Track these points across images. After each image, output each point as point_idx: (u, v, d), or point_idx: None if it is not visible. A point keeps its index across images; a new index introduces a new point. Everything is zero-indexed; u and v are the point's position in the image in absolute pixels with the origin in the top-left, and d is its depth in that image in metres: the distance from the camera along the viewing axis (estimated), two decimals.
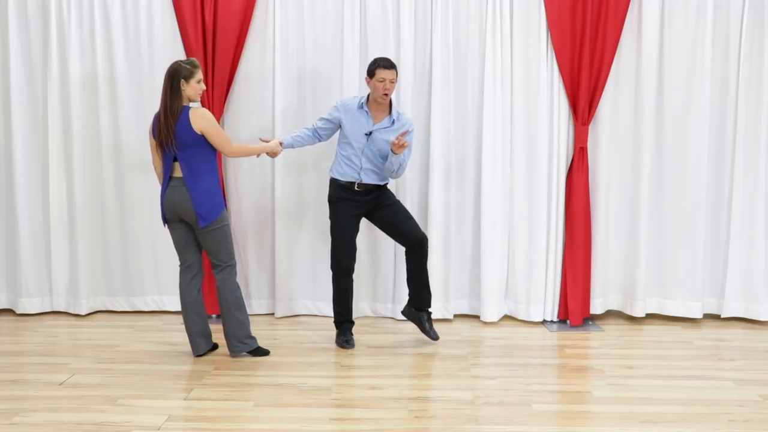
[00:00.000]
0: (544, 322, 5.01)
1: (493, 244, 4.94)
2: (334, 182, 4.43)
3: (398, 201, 4.52)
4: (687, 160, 4.95)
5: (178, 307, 5.12)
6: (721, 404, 3.54)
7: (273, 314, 5.10)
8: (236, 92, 4.96)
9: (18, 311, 5.06)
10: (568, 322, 4.93)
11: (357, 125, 4.32)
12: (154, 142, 4.00)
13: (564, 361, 4.21)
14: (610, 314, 5.21)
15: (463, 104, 4.96)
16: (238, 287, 4.15)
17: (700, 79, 4.87)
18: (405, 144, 4.11)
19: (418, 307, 4.48)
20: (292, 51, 4.92)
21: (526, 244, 5.00)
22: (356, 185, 4.35)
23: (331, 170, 4.47)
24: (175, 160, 3.95)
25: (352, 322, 4.55)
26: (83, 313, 5.04)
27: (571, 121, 4.94)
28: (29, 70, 4.97)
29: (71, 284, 5.06)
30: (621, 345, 4.57)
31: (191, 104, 3.99)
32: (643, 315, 5.04)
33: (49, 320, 4.98)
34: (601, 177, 4.98)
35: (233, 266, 4.12)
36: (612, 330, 4.89)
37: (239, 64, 4.91)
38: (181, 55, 4.87)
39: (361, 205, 4.40)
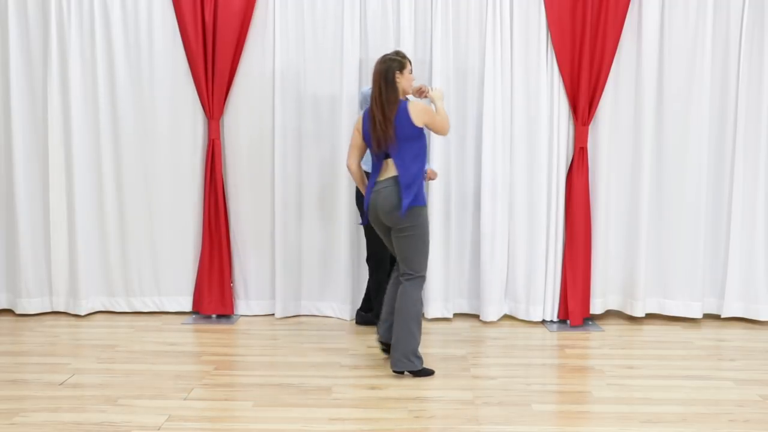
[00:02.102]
0: (544, 321, 5.01)
1: (493, 243, 4.94)
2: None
3: None
4: (687, 160, 4.95)
5: (178, 308, 5.14)
6: (721, 404, 3.54)
7: (273, 314, 5.10)
8: (236, 92, 4.95)
9: (18, 311, 5.06)
10: (568, 322, 4.93)
11: None
12: (359, 141, 3.91)
13: (564, 361, 4.21)
14: (610, 314, 5.21)
15: (463, 104, 4.96)
16: (421, 302, 3.89)
17: (700, 79, 4.88)
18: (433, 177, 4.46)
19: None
20: (292, 51, 4.92)
21: (526, 244, 5.01)
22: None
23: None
24: (386, 157, 3.84)
25: None
26: (83, 314, 5.04)
27: (571, 121, 4.94)
28: (29, 70, 4.97)
29: (71, 284, 5.06)
30: (621, 345, 4.57)
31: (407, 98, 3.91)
32: (643, 315, 5.04)
33: (49, 320, 4.98)
34: (601, 177, 4.98)
35: (423, 278, 3.90)
36: (612, 330, 4.89)
37: (239, 64, 4.91)
38: (181, 56, 4.89)
39: None
